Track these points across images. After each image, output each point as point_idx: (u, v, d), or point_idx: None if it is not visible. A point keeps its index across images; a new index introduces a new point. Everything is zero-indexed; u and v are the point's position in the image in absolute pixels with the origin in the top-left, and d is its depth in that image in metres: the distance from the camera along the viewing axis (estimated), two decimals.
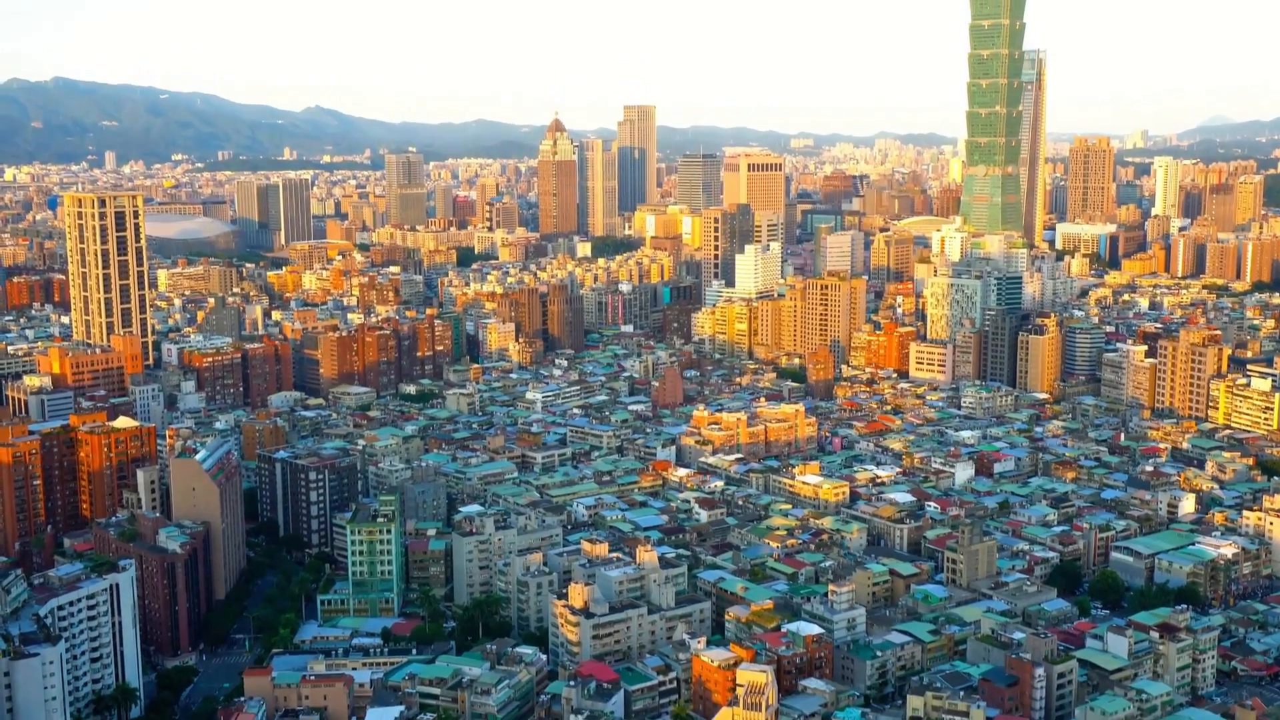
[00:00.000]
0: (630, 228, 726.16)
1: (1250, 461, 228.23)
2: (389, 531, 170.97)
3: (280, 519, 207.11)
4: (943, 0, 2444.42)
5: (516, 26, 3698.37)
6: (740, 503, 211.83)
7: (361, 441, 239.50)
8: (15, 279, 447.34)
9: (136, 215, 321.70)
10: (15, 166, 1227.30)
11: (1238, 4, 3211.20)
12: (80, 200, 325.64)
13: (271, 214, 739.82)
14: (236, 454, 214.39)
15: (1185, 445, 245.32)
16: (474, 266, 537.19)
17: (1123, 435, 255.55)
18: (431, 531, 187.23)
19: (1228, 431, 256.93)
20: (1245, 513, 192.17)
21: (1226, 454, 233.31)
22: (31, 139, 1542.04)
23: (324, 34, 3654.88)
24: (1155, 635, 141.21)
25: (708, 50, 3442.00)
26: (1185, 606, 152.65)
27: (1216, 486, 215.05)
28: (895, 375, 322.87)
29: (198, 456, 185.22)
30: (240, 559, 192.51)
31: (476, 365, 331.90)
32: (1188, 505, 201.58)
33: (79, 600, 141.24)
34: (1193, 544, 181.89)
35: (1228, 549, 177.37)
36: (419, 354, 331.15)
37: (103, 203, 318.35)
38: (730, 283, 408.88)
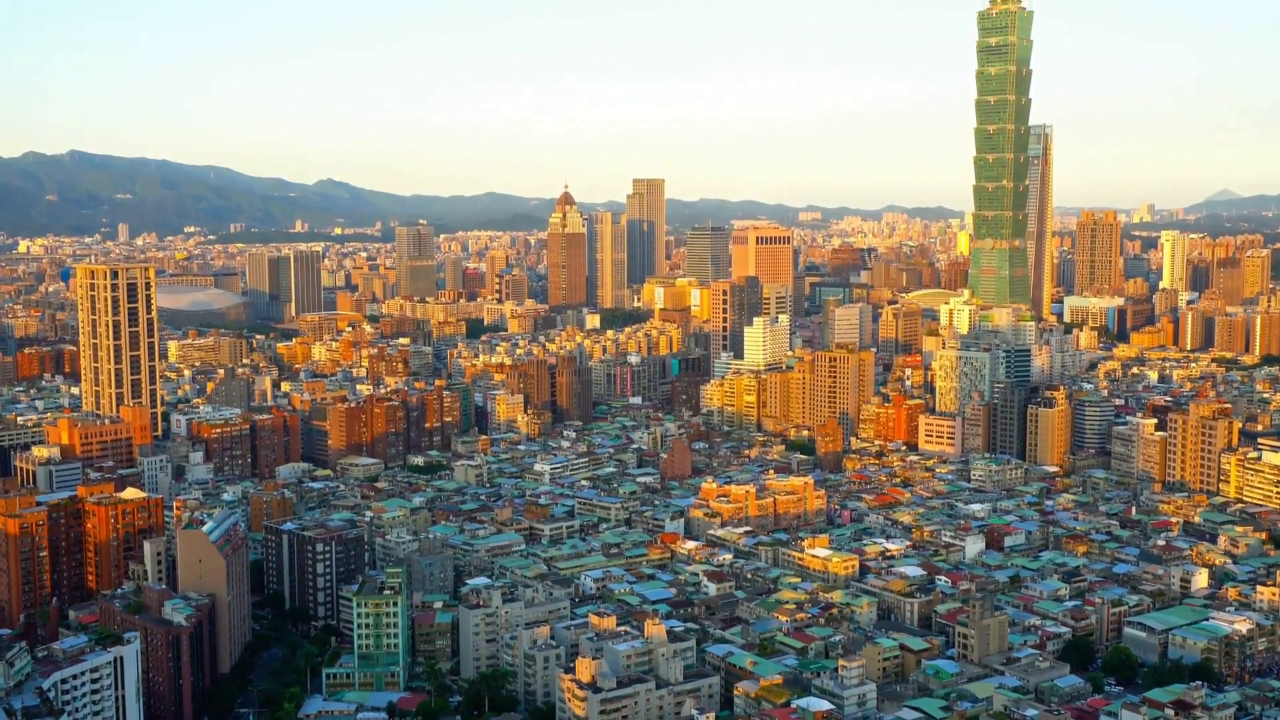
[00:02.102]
0: (639, 300, 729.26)
1: (1263, 536, 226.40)
2: (395, 604, 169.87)
3: (286, 591, 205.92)
4: (949, 76, 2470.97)
5: (526, 100, 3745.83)
6: (749, 576, 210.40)
7: (369, 513, 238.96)
8: (27, 350, 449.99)
9: (148, 287, 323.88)
10: (30, 239, 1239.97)
11: (1242, 80, 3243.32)
12: (93, 272, 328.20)
13: (282, 286, 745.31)
14: (243, 526, 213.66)
15: (1197, 519, 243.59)
16: (483, 338, 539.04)
17: (1134, 509, 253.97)
18: (438, 604, 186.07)
19: (1240, 505, 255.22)
20: (1259, 588, 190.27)
21: (1239, 528, 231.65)
22: (46, 212, 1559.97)
23: (336, 108, 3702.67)
24: (1170, 713, 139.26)
25: (716, 124, 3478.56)
26: (1200, 683, 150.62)
27: (1229, 561, 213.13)
28: (904, 448, 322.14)
29: (205, 528, 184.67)
30: (246, 632, 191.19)
31: (485, 437, 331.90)
32: (1201, 580, 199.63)
33: (83, 674, 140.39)
34: (1206, 619, 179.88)
35: (1242, 625, 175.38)
36: (427, 425, 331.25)
37: (115, 274, 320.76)
38: (739, 355, 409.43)
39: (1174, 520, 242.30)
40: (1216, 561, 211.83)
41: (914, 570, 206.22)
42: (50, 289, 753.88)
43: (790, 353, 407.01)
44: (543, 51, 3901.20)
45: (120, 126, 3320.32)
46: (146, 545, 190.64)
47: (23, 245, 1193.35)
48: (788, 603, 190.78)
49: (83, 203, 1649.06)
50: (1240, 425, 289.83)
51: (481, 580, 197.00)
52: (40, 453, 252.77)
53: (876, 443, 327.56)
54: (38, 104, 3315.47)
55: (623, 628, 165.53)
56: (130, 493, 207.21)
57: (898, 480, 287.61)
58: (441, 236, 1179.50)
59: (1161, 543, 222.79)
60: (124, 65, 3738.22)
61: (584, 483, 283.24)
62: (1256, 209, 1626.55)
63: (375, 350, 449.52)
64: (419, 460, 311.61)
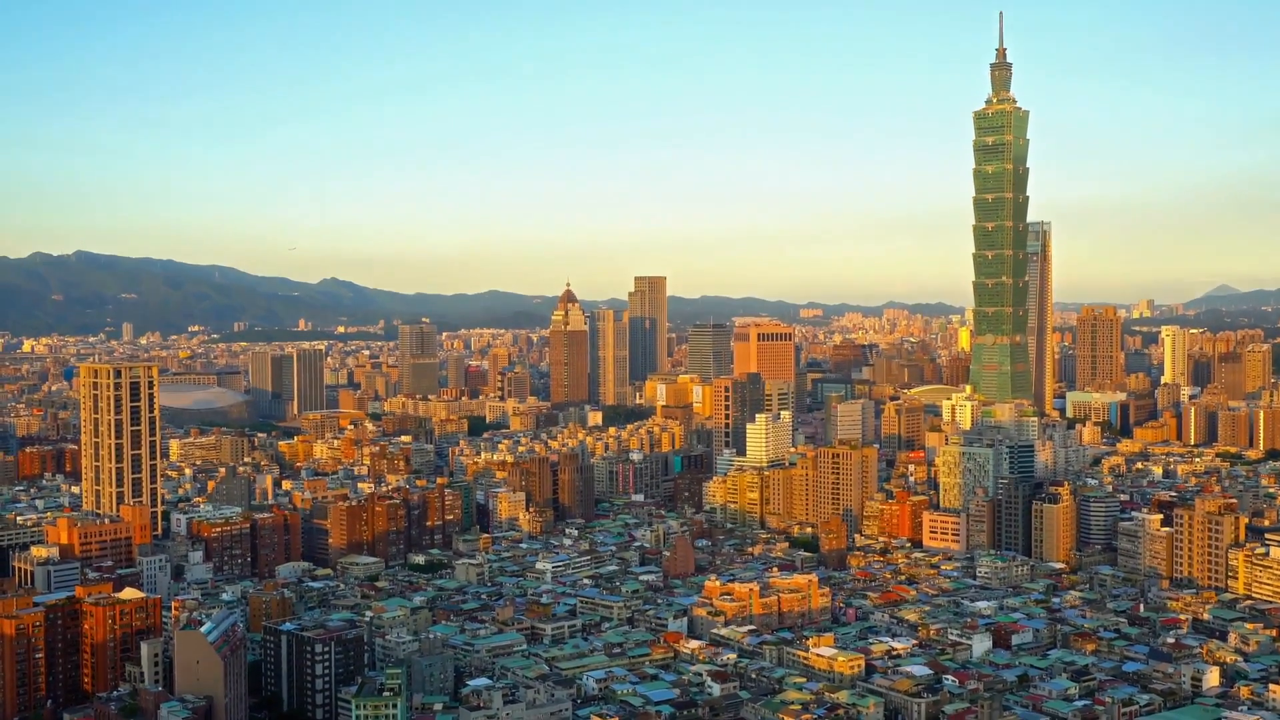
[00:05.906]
0: (641, 397, 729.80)
1: (1273, 633, 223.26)
2: (394, 705, 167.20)
3: (284, 693, 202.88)
4: (946, 173, 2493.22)
5: (528, 199, 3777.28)
6: (754, 676, 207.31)
7: (369, 613, 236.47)
8: (28, 449, 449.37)
9: (151, 386, 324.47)
10: (35, 338, 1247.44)
11: (1239, 177, 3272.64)
12: (96, 370, 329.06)
13: (285, 384, 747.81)
14: (242, 626, 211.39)
15: (1206, 616, 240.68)
16: (485, 435, 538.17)
17: (1142, 606, 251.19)
18: (438, 706, 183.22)
19: (1249, 602, 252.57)
20: (1272, 686, 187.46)
21: (1249, 625, 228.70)
22: (51, 311, 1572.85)
23: (339, 207, 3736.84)
24: None
25: (717, 222, 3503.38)
26: None
27: (1240, 659, 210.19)
28: (909, 544, 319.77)
29: (203, 629, 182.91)
30: None
31: (486, 535, 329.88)
32: (1212, 678, 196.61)
33: None
34: (1219, 719, 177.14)
35: None
36: (429, 523, 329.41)
37: (118, 373, 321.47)
38: (741, 451, 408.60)
39: (1183, 617, 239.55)
40: (1227, 659, 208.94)
41: (921, 669, 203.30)
42: (53, 388, 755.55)
43: (793, 449, 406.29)
44: (543, 151, 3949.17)
45: (126, 227, 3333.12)
46: (144, 646, 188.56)
47: (27, 345, 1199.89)
48: (793, 703, 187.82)
49: (88, 302, 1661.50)
50: (1247, 520, 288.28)
51: (482, 681, 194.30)
52: (39, 553, 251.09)
53: (880, 539, 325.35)
54: (44, 205, 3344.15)
55: None
56: (128, 593, 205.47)
57: (903, 577, 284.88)
58: (444, 334, 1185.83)
59: (1171, 640, 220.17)
60: (130, 166, 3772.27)
61: (586, 581, 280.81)
62: (1256, 304, 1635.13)
63: (377, 448, 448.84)
64: (420, 559, 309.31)
